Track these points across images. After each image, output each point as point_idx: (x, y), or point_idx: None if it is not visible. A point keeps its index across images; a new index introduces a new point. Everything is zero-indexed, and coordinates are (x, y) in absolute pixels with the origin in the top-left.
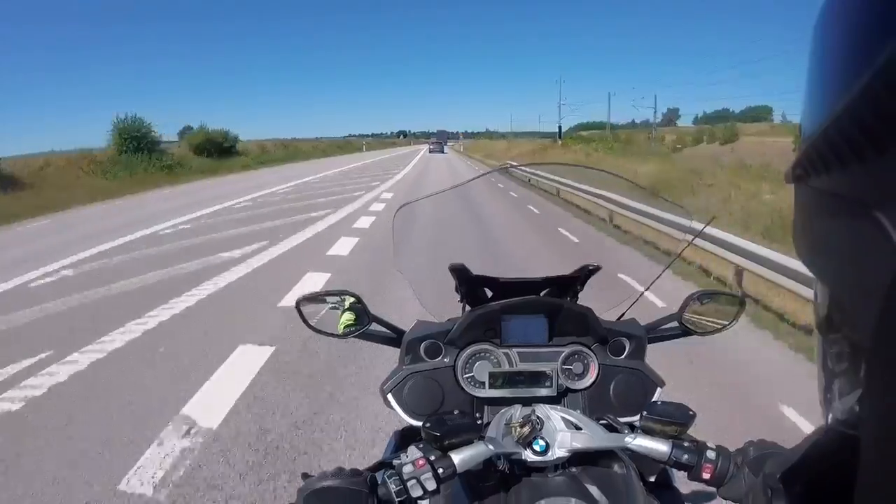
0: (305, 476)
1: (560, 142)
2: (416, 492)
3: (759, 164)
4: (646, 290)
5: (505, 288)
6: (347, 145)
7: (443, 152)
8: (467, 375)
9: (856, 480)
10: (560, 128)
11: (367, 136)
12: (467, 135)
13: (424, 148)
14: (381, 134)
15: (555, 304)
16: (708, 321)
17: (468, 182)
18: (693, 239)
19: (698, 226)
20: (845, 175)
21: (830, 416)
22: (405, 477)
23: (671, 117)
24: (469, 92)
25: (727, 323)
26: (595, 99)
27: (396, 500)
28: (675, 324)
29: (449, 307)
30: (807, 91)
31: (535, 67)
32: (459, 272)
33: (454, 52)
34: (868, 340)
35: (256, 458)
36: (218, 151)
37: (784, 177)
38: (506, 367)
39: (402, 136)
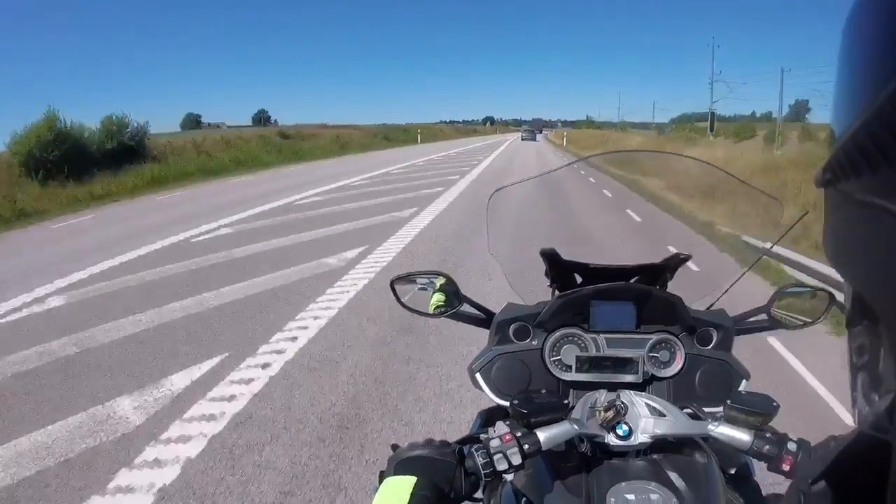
0: (395, 447)
1: (711, 135)
2: (502, 465)
3: None
4: (736, 280)
5: (594, 274)
6: (403, 133)
7: (535, 140)
8: (554, 358)
9: (889, 484)
10: (713, 115)
11: (458, 122)
12: (566, 123)
13: (513, 137)
14: (471, 121)
15: (644, 291)
16: (796, 315)
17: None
18: (787, 231)
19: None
20: (875, 179)
21: (861, 417)
22: (492, 450)
23: (799, 109)
24: (566, 77)
25: (817, 317)
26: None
27: (482, 472)
28: (763, 316)
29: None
30: (836, 94)
31: (652, 47)
32: (550, 257)
33: (552, 31)
34: (895, 344)
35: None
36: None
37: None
38: (593, 352)
39: (488, 123)
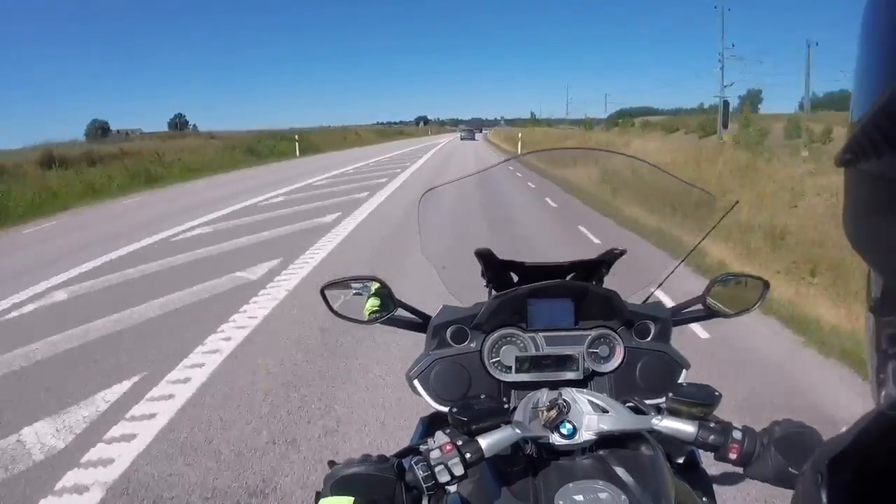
0: (332, 463)
1: (724, 137)
2: (444, 477)
3: None
4: (671, 272)
5: (530, 272)
6: (281, 143)
7: (473, 139)
8: (494, 360)
9: None
10: (726, 105)
11: (395, 123)
12: (507, 122)
13: (448, 139)
14: (406, 122)
15: (580, 287)
16: (732, 302)
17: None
18: (718, 222)
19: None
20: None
21: (883, 398)
22: (432, 462)
23: (751, 100)
24: (507, 74)
25: (752, 304)
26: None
27: (424, 485)
28: (699, 306)
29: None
30: (856, 73)
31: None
32: (485, 257)
33: (490, 31)
34: None
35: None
36: None
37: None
38: (532, 352)
39: (421, 123)
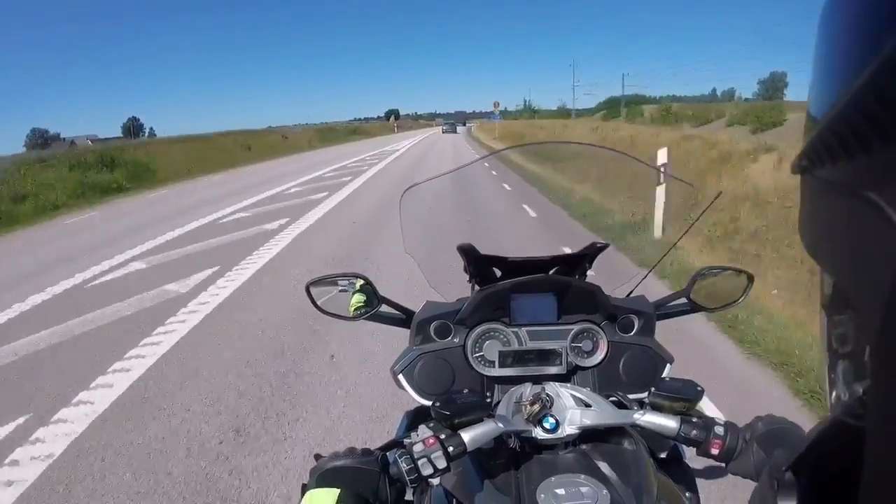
0: (318, 457)
1: None
2: (427, 470)
3: None
4: (654, 266)
5: (513, 267)
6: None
7: (455, 132)
8: (477, 355)
9: (862, 472)
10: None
11: (371, 119)
12: (476, 115)
13: (423, 137)
14: (377, 118)
15: (563, 282)
16: (716, 296)
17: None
18: (700, 215)
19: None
20: (851, 165)
21: (835, 402)
22: (416, 455)
23: (777, 84)
24: (473, 72)
25: (736, 297)
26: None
27: (408, 478)
28: (683, 300)
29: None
30: (813, 80)
31: (549, 41)
32: (468, 252)
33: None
34: (873, 331)
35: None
36: None
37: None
38: (515, 346)
39: (392, 118)
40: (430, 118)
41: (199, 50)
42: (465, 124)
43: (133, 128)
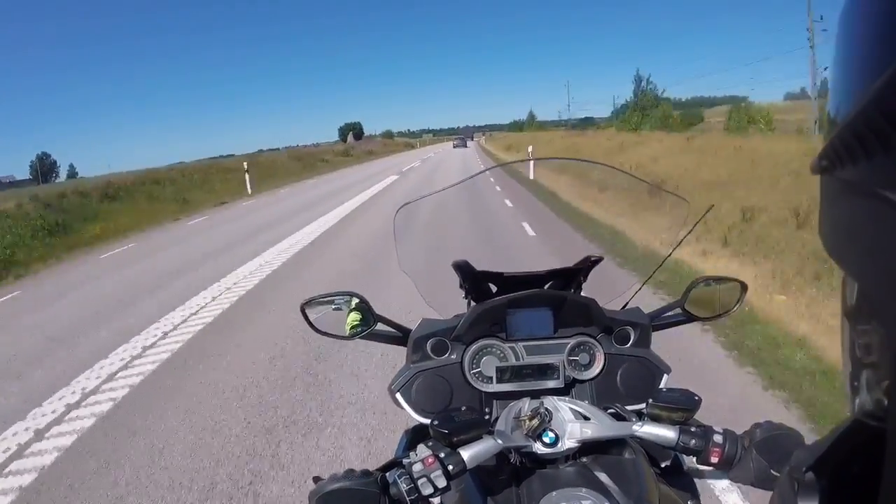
0: (317, 479)
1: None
2: (427, 489)
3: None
4: (648, 278)
5: (508, 282)
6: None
7: (465, 146)
8: (474, 371)
9: (883, 473)
10: None
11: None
12: (492, 127)
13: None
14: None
15: (558, 296)
16: (711, 305)
17: None
18: (693, 228)
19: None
20: (871, 166)
21: (858, 406)
22: (415, 475)
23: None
24: (468, 87)
25: (730, 307)
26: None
27: (408, 498)
28: (678, 310)
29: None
30: (833, 79)
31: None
32: (463, 268)
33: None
34: (894, 334)
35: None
36: None
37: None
38: (512, 361)
39: (350, 139)
40: (412, 136)
41: (116, 79)
42: (472, 138)
43: (45, 168)
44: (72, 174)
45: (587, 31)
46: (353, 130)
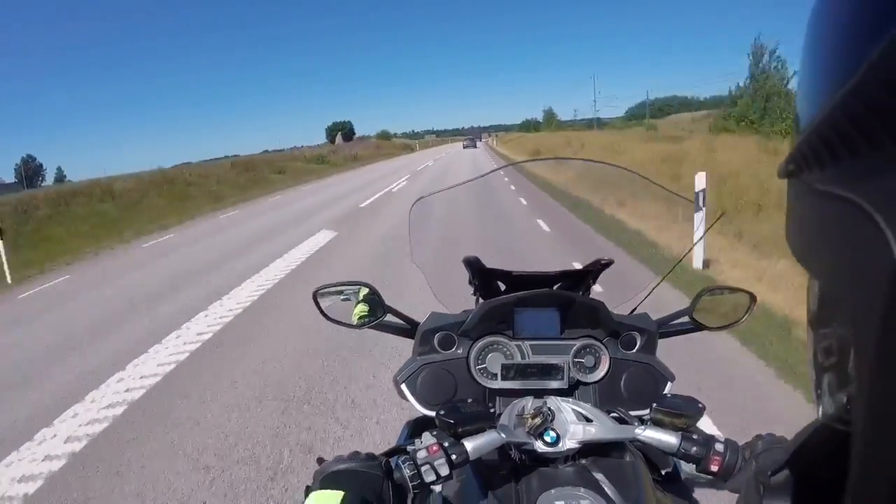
0: (321, 460)
1: None
2: (430, 477)
3: None
4: (658, 283)
5: (518, 281)
6: None
7: (475, 147)
8: (480, 367)
9: (847, 477)
10: None
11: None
12: (497, 128)
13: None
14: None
15: (567, 297)
16: (719, 315)
17: None
18: (704, 234)
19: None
20: (838, 170)
21: (822, 411)
22: (419, 462)
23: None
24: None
25: (739, 318)
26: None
27: (410, 484)
28: (686, 318)
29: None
30: (800, 83)
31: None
32: (473, 265)
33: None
34: (860, 336)
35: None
36: None
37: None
38: (518, 360)
39: (339, 139)
40: (415, 136)
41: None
42: (480, 139)
43: (28, 171)
44: (59, 178)
45: (595, 29)
46: (342, 131)
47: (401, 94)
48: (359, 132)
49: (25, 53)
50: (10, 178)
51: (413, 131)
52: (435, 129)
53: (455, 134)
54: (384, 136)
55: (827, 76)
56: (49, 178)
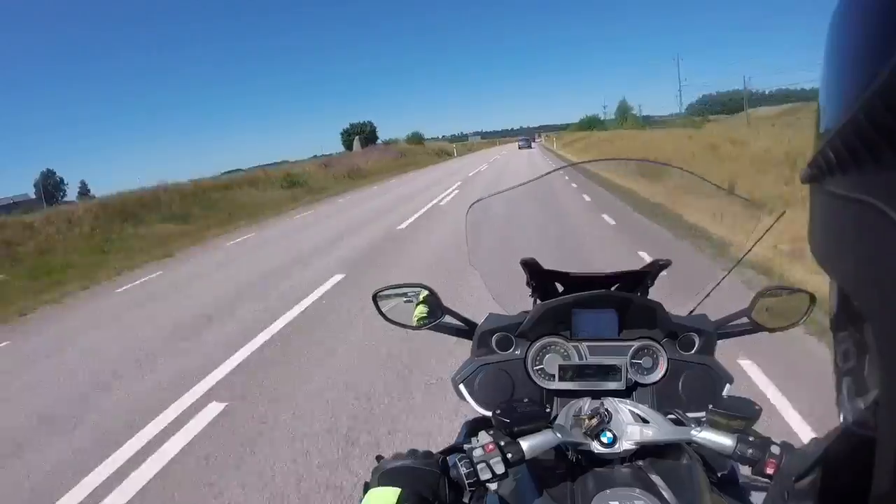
0: (380, 458)
1: None
2: (485, 475)
3: None
4: (716, 285)
5: (575, 282)
6: None
7: (530, 147)
8: (537, 368)
9: (871, 483)
10: None
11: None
12: (534, 129)
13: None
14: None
15: (625, 298)
16: (778, 316)
17: None
18: (764, 234)
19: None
20: (861, 176)
21: (845, 416)
22: (475, 460)
23: None
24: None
25: (798, 318)
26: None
27: (466, 481)
28: (745, 319)
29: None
30: (822, 89)
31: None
32: (530, 266)
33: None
34: (883, 342)
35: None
36: None
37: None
38: (575, 360)
39: (357, 144)
40: (458, 139)
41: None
42: (534, 139)
43: (48, 186)
44: (83, 191)
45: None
46: (361, 133)
47: (439, 96)
48: (385, 135)
49: (38, 68)
50: (29, 192)
51: (462, 133)
52: (481, 131)
53: (504, 135)
54: (415, 139)
55: (849, 82)
56: (71, 194)
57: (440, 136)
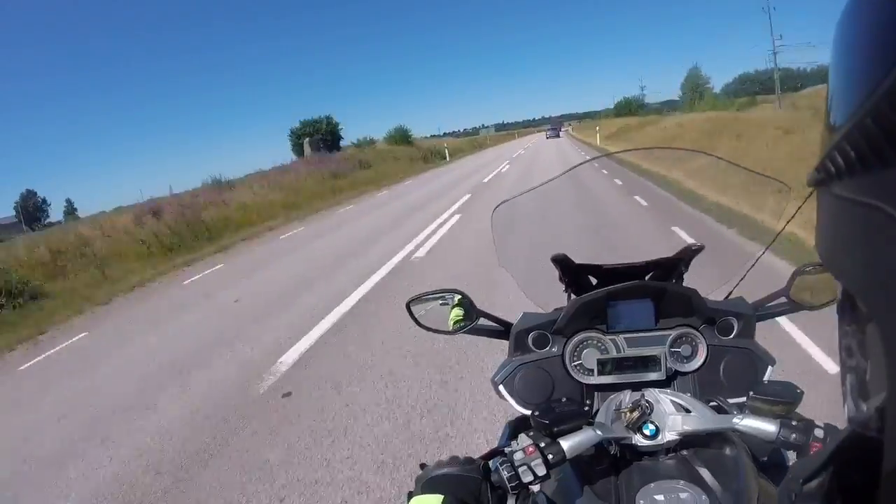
0: (423, 466)
1: None
2: (527, 477)
3: None
4: (751, 266)
5: (608, 274)
6: None
7: (558, 136)
8: (576, 363)
9: (881, 483)
10: None
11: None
12: (569, 116)
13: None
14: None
15: (659, 287)
16: (817, 293)
17: None
18: (794, 214)
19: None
20: (868, 179)
21: (852, 418)
22: (516, 463)
23: None
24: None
25: (836, 295)
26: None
27: (509, 485)
28: (783, 299)
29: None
30: (829, 91)
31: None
32: (562, 262)
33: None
34: (890, 344)
35: None
36: None
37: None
38: (613, 354)
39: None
40: (469, 134)
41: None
42: (562, 127)
43: (29, 207)
44: (69, 210)
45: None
46: (314, 134)
47: (454, 89)
48: (375, 132)
49: (13, 87)
50: (8, 214)
51: (481, 126)
52: (503, 122)
53: (526, 125)
54: (399, 137)
55: (856, 84)
56: (55, 214)
57: (442, 133)
